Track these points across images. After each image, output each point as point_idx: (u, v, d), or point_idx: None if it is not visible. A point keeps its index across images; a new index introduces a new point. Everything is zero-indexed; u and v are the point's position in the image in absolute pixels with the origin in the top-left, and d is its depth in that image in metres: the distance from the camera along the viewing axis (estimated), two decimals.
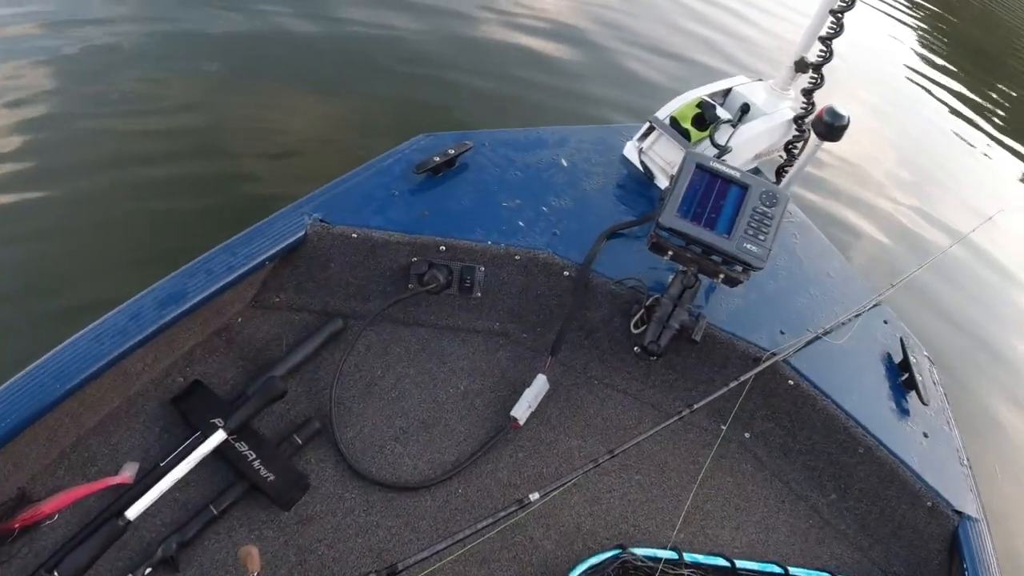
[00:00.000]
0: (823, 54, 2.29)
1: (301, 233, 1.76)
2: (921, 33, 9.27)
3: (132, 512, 1.33)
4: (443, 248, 1.85)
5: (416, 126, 2.35)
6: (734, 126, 2.31)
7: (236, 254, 1.65)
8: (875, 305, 2.21)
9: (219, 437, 1.49)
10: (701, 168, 1.75)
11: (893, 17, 9.22)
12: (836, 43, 2.25)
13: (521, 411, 1.76)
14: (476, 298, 1.95)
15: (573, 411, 1.90)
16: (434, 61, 4.52)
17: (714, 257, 1.74)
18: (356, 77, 4.20)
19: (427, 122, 3.38)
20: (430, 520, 1.60)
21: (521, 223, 1.96)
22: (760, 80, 2.56)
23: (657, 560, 1.48)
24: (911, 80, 7.45)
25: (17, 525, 1.37)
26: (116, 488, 1.47)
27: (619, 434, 1.87)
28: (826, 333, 2.00)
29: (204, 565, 1.42)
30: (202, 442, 1.48)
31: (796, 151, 2.48)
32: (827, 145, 2.07)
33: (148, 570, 1.34)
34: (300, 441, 1.63)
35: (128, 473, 1.49)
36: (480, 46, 4.88)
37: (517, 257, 1.88)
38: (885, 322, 2.26)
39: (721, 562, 1.59)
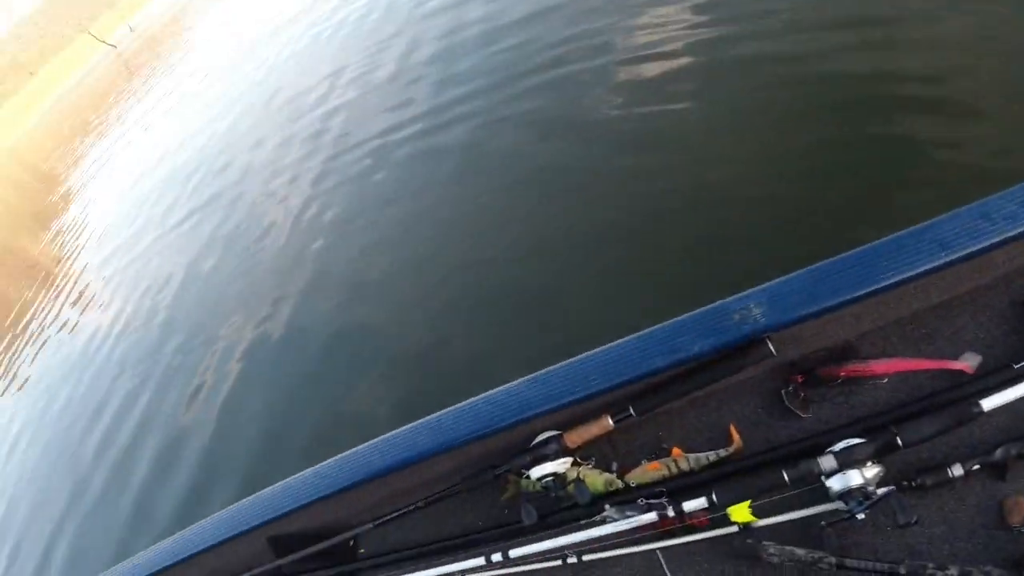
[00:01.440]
0: None
1: None
2: None
3: (988, 404, 1.28)
4: None
5: None
6: None
7: None
8: None
9: None
10: None
11: None
12: None
13: None
14: None
15: None
16: None
17: None
18: None
19: None
20: None
21: None
22: None
23: None
24: None
25: (843, 373, 1.47)
26: (951, 374, 1.44)
27: None
28: None
29: None
30: None
31: None
32: None
33: (976, 466, 1.32)
34: None
35: (970, 362, 1.43)
36: None
37: None
38: None
39: None
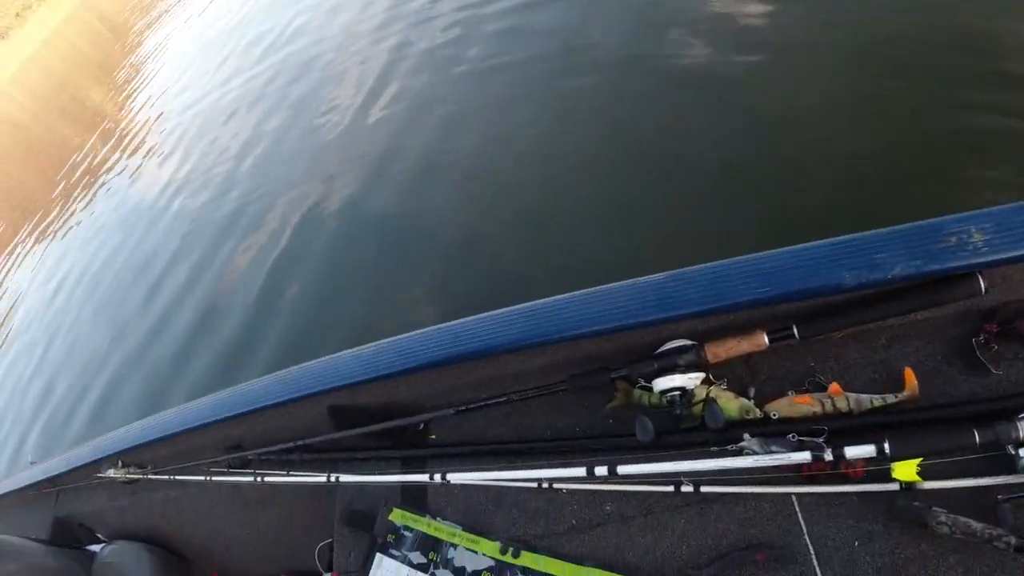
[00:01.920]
0: None
1: None
2: None
3: None
4: None
5: None
6: None
7: None
8: None
9: None
10: None
11: None
12: None
13: None
14: None
15: None
16: None
17: None
18: None
19: None
20: None
21: None
22: None
23: None
24: None
25: None
26: None
27: None
28: None
29: None
30: None
31: None
32: None
33: None
34: None
35: None
36: None
37: None
38: None
39: None
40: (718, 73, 3.64)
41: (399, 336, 1.67)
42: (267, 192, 5.35)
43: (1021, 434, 1.09)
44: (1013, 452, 1.11)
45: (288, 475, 1.83)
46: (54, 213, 8.94)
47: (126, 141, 9.11)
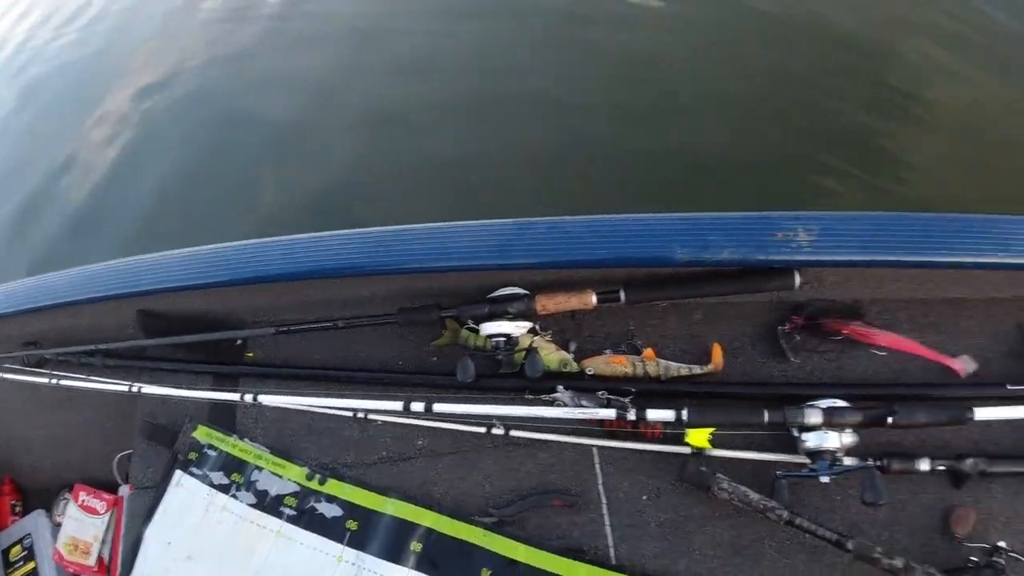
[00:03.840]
0: None
1: None
2: None
3: (980, 414, 1.22)
4: None
5: None
6: None
7: None
8: None
9: None
10: None
11: None
12: None
13: None
14: None
15: None
16: None
17: None
18: None
19: None
20: None
21: None
22: None
23: None
24: None
25: (846, 331, 1.39)
26: (943, 369, 1.41)
27: None
28: None
29: (982, 501, 1.31)
30: None
31: None
32: None
33: (941, 467, 1.28)
34: None
35: (964, 366, 1.41)
36: None
37: None
38: None
39: None
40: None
41: (226, 244, 1.56)
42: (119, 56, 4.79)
43: (805, 420, 1.21)
44: (797, 435, 1.23)
45: (87, 380, 1.69)
46: None
47: None
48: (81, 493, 2.04)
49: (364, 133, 3.55)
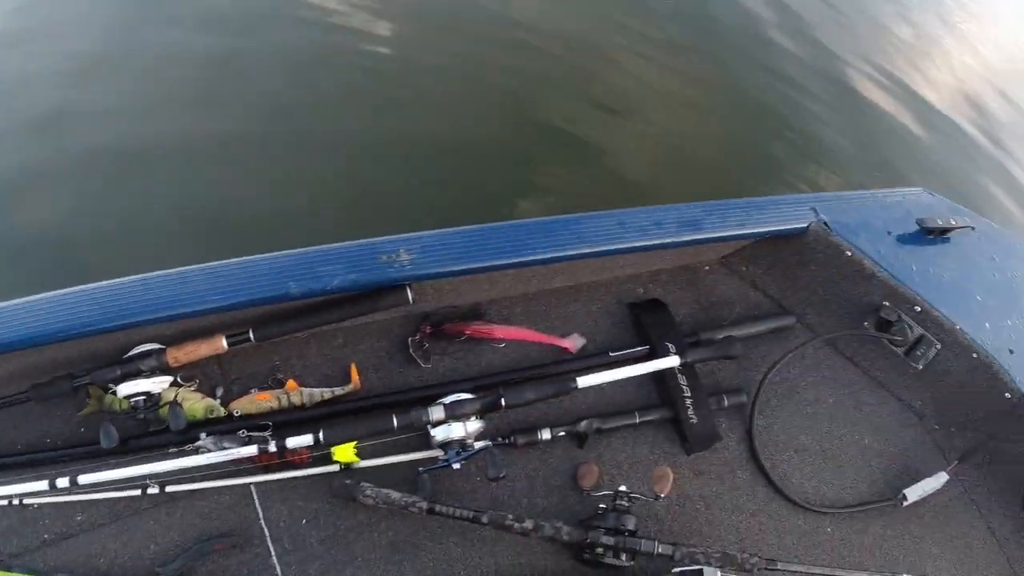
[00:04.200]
0: None
1: (802, 225, 1.78)
2: None
3: (582, 381, 1.43)
4: (918, 309, 1.77)
5: None
6: None
7: (733, 216, 1.72)
8: None
9: (671, 362, 1.56)
10: None
11: None
12: None
13: (914, 495, 1.67)
14: (915, 369, 1.85)
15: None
16: None
17: None
18: None
19: None
20: (797, 538, 1.61)
21: (988, 325, 1.82)
22: None
23: None
24: None
25: (468, 331, 1.58)
26: (557, 350, 1.65)
27: None
28: None
29: (604, 454, 1.56)
30: (652, 357, 1.57)
31: None
32: None
33: (562, 432, 1.50)
34: (726, 404, 1.67)
35: (574, 343, 1.66)
36: None
37: (974, 355, 1.74)
38: None
39: None
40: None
41: None
42: None
43: (430, 417, 1.35)
44: (431, 432, 1.37)
45: None
46: None
47: None
48: None
49: None
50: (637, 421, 1.58)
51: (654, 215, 1.64)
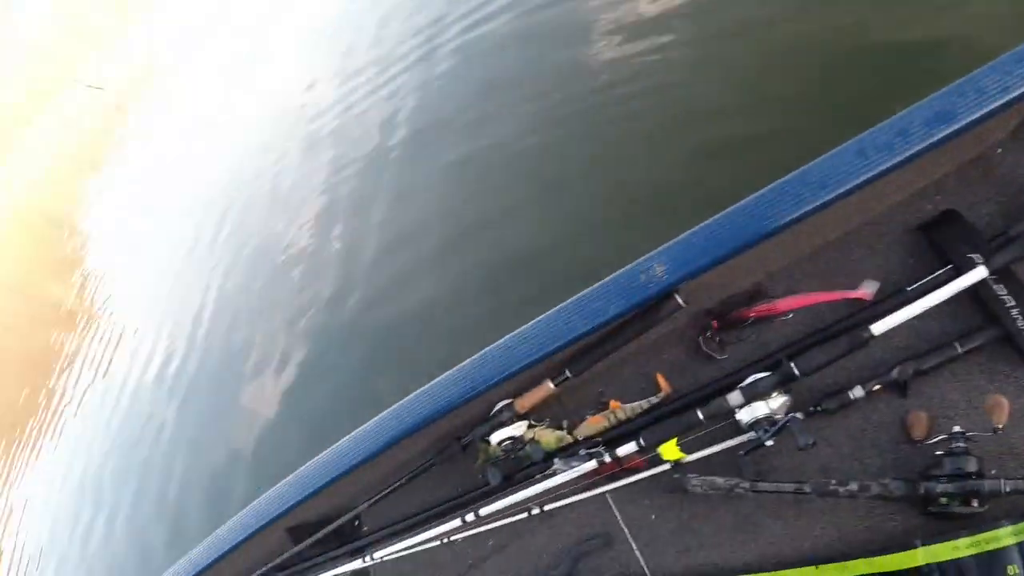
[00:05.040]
0: None
1: None
2: None
3: (878, 328, 1.38)
4: None
5: None
6: None
7: (1010, 74, 1.38)
8: None
9: (978, 274, 1.36)
10: None
11: None
12: None
13: None
14: None
15: None
16: None
17: None
18: None
19: None
20: None
21: None
22: None
23: None
24: None
25: (752, 314, 1.63)
26: (851, 303, 1.58)
27: None
28: None
29: (932, 398, 1.45)
30: (955, 277, 1.38)
31: None
32: None
33: (877, 386, 1.44)
34: None
35: (868, 290, 1.55)
36: None
37: None
38: None
39: None
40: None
41: (321, 453, 2.06)
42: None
43: (732, 402, 1.48)
44: (737, 416, 1.49)
45: None
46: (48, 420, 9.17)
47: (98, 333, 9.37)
48: None
49: None
50: (960, 351, 1.42)
51: (905, 121, 1.43)
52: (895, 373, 1.45)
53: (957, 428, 1.32)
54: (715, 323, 1.69)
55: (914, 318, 1.38)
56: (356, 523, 2.16)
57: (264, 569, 2.21)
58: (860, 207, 1.60)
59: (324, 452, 2.05)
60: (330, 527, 2.08)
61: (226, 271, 6.64)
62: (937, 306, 1.37)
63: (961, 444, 1.30)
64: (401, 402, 1.86)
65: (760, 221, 1.47)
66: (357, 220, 5.26)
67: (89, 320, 9.59)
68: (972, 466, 1.27)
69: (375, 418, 1.92)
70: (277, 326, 5.29)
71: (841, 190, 1.42)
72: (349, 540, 2.13)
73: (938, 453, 1.32)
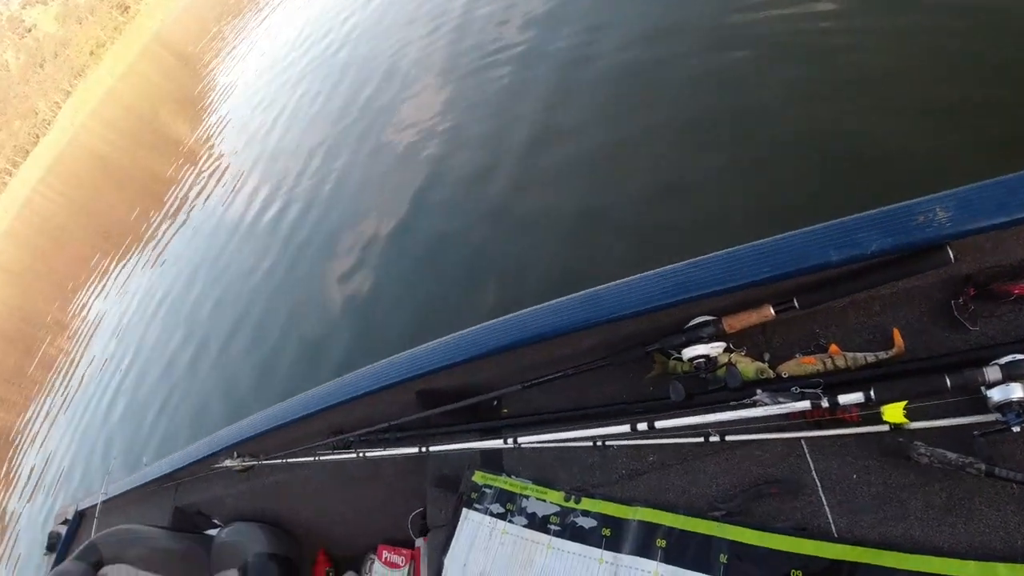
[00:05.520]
0: None
1: None
2: None
3: None
4: None
5: None
6: None
7: None
8: None
9: None
10: None
11: None
12: None
13: None
14: None
15: None
16: None
17: None
18: None
19: None
20: None
21: None
22: None
23: None
24: None
25: (1018, 291, 1.47)
26: None
27: None
28: None
29: None
30: None
31: None
32: None
33: None
34: None
35: None
36: None
37: None
38: None
39: None
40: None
41: (471, 328, 1.99)
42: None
43: (988, 377, 1.32)
44: (984, 393, 1.34)
45: (385, 450, 2.17)
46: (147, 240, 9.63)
47: (209, 168, 9.70)
48: (384, 551, 2.54)
49: None
50: None
51: None
52: None
53: None
54: (971, 290, 1.49)
55: None
56: (496, 403, 2.10)
57: (385, 424, 2.18)
58: None
59: (477, 326, 1.97)
60: (468, 400, 2.02)
61: (362, 135, 6.62)
62: None
63: None
64: (588, 291, 1.75)
65: None
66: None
67: (209, 159, 9.89)
68: None
69: (554, 300, 1.82)
70: (404, 198, 5.25)
71: None
72: (486, 419, 2.07)
73: None
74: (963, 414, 1.39)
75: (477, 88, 5.63)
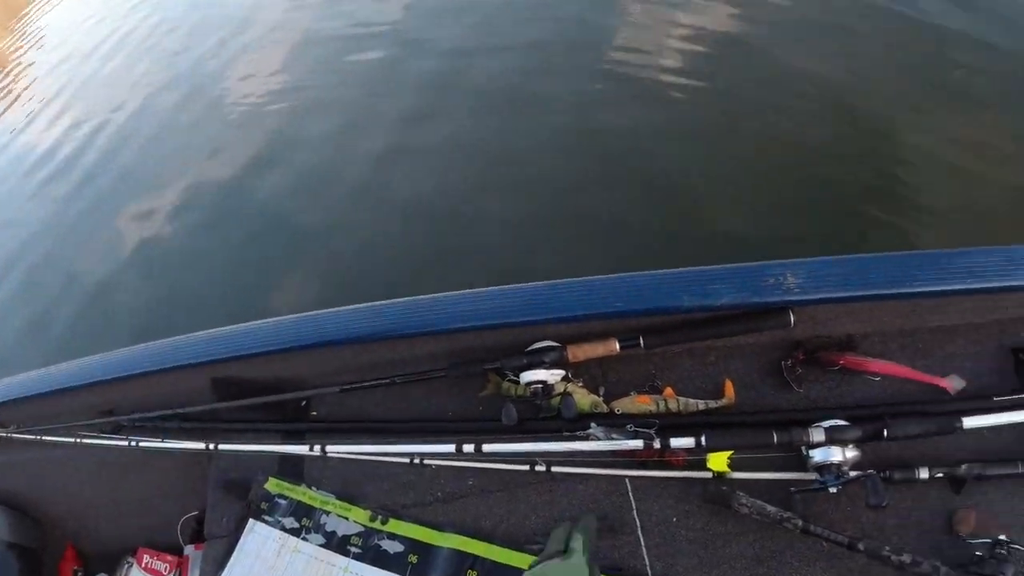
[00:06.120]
0: None
1: None
2: None
3: (968, 423, 1.37)
4: None
5: None
6: None
7: None
8: None
9: None
10: None
11: None
12: None
13: None
14: None
15: None
16: None
17: None
18: None
19: None
20: None
21: None
22: None
23: None
24: None
25: (842, 362, 1.56)
26: (934, 389, 1.56)
27: None
28: None
29: (981, 503, 1.43)
30: None
31: None
32: None
33: (940, 474, 1.42)
34: None
35: (953, 384, 1.56)
36: None
37: None
38: None
39: None
40: None
41: (289, 315, 1.78)
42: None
43: (811, 438, 1.38)
44: (805, 452, 1.39)
45: (165, 441, 1.88)
46: None
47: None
48: (145, 556, 2.20)
49: None
50: (1021, 471, 1.43)
51: None
52: (962, 469, 1.43)
53: (1002, 537, 1.32)
54: (801, 355, 1.58)
55: (992, 427, 1.39)
56: (304, 404, 1.89)
57: (167, 411, 1.90)
58: (976, 308, 1.60)
59: (298, 315, 1.77)
60: (274, 396, 1.80)
61: (199, 83, 6.03)
62: (1013, 424, 1.39)
63: (1004, 551, 1.30)
64: (427, 296, 1.63)
65: (903, 279, 1.41)
66: None
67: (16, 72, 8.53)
68: (1010, 573, 1.27)
69: (388, 300, 1.67)
70: (234, 160, 4.84)
71: (981, 286, 1.41)
72: (290, 420, 1.86)
73: (978, 553, 1.33)
74: (783, 470, 1.45)
75: (336, 57, 5.36)
